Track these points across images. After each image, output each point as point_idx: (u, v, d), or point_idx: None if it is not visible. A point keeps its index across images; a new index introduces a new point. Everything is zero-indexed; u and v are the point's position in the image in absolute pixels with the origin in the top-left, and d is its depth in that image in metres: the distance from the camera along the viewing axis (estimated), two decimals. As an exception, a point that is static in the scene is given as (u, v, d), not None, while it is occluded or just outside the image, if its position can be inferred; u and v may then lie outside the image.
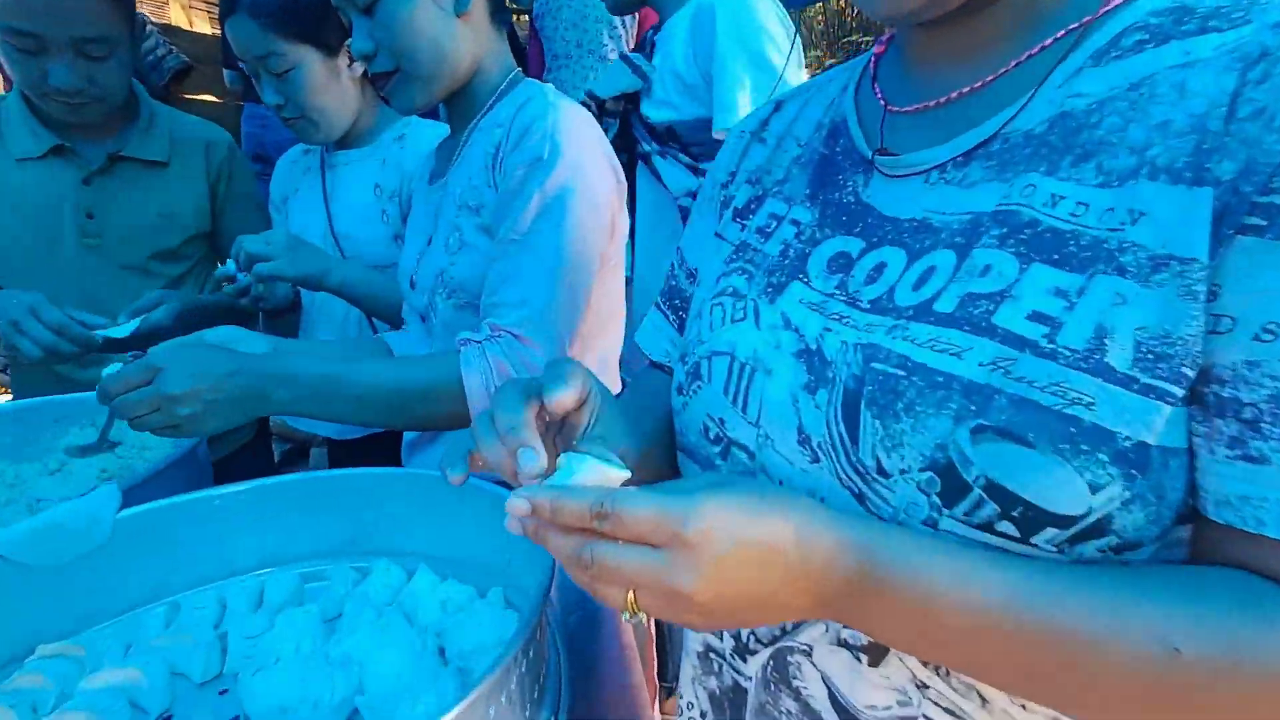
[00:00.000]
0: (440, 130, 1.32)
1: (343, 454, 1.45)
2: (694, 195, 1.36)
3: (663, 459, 0.62)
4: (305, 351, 0.85)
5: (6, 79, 1.79)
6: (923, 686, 0.45)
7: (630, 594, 0.39)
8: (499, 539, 0.76)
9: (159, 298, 1.22)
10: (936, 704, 0.45)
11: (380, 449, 1.40)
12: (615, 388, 1.04)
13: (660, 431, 0.63)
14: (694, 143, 1.37)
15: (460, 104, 0.96)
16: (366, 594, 0.77)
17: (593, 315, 0.90)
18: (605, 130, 1.40)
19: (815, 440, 0.46)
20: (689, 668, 0.61)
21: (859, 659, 0.47)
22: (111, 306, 1.23)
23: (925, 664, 0.45)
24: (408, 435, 1.04)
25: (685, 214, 1.37)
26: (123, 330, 1.14)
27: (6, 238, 1.31)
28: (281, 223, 1.48)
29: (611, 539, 0.39)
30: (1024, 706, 0.44)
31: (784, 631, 0.51)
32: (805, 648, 0.50)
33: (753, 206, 0.60)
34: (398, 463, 1.10)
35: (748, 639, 0.54)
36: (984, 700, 0.44)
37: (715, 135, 1.34)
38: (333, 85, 1.25)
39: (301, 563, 0.83)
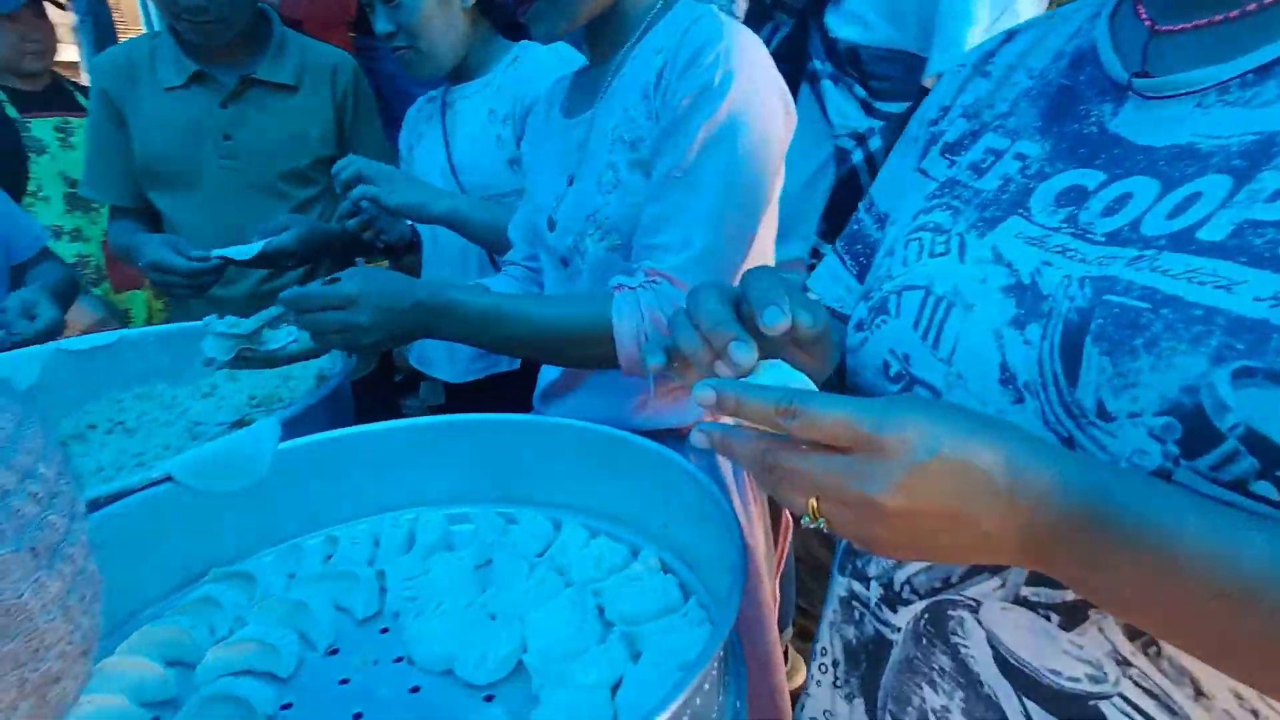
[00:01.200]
0: (558, 53, 1.26)
1: (459, 396, 1.45)
2: (859, 138, 1.19)
3: None
4: (469, 289, 0.85)
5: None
6: (1124, 663, 0.40)
7: (814, 501, 0.37)
8: (655, 497, 0.72)
9: (285, 222, 1.27)
10: (1139, 685, 0.40)
11: (499, 392, 1.42)
12: None
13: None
14: (877, 75, 1.17)
15: (606, 30, 0.88)
16: (515, 544, 0.75)
17: (752, 261, 0.83)
18: (775, 30, 1.24)
19: (1021, 379, 0.42)
20: (830, 612, 0.59)
21: (1047, 618, 0.43)
22: (245, 222, 1.31)
23: (1132, 637, 0.40)
24: (541, 383, 1.01)
25: (842, 158, 1.21)
26: (248, 251, 1.19)
27: (159, 161, 1.40)
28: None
29: (796, 446, 0.37)
30: (1255, 714, 0.38)
31: (945, 584, 0.48)
32: (971, 603, 0.46)
33: (966, 142, 0.56)
34: (522, 408, 1.08)
35: (901, 588, 0.50)
36: (1199, 692, 0.39)
37: (925, 81, 1.11)
38: (443, 15, 1.24)
39: (447, 505, 0.82)
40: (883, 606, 0.52)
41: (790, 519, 1.01)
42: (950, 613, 0.47)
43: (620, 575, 0.68)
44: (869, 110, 1.19)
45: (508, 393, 1.35)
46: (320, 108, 1.46)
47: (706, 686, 0.45)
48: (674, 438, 0.89)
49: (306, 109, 1.44)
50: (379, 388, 1.63)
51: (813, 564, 1.85)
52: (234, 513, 0.73)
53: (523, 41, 1.33)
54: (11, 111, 2.05)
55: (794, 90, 1.24)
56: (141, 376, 1.14)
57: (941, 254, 0.50)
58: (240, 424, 0.99)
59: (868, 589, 0.53)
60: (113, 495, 0.67)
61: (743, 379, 0.42)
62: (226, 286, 1.38)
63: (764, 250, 0.89)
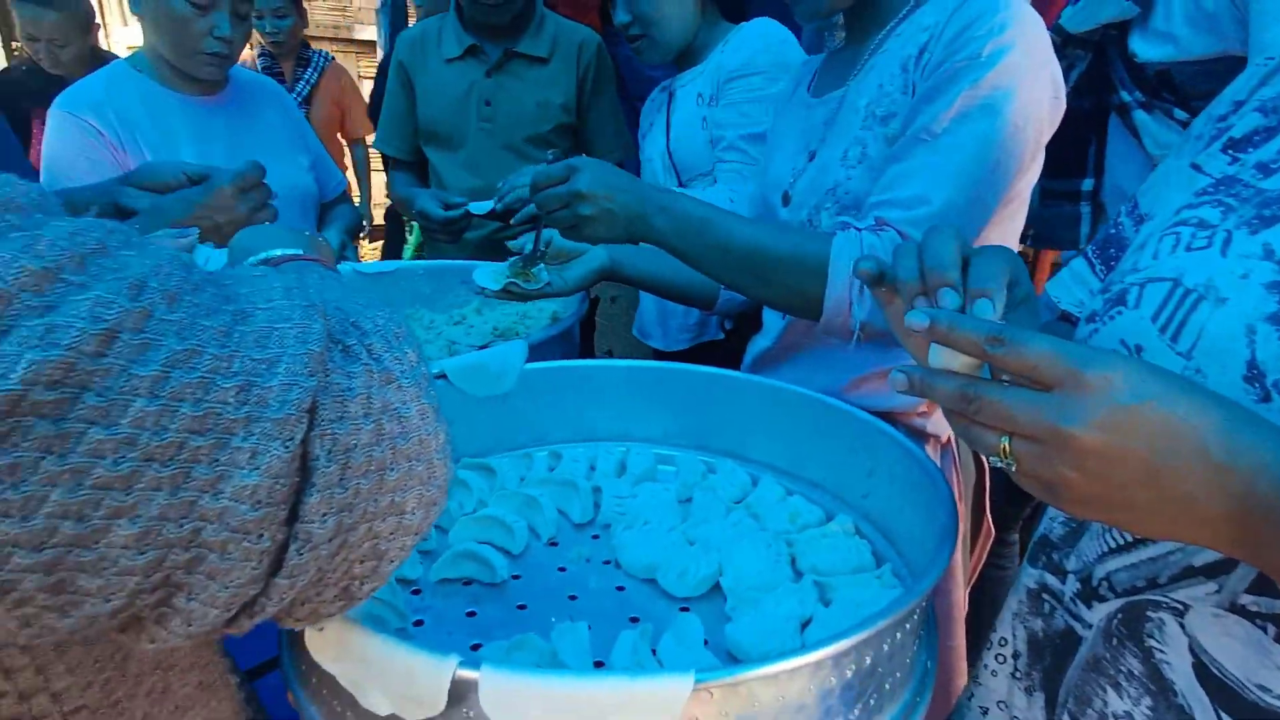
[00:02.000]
0: (765, 32, 1.29)
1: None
2: None
3: None
4: (688, 195, 0.89)
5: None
6: None
7: (1005, 440, 0.37)
8: (858, 466, 0.74)
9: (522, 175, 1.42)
10: None
11: (705, 361, 1.47)
12: None
13: None
14: (1198, 94, 1.06)
15: (868, 8, 0.89)
16: (715, 487, 0.80)
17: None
18: (1070, 67, 1.19)
19: (1271, 377, 0.40)
20: (1014, 603, 0.57)
21: (1264, 630, 0.39)
22: (495, 177, 1.47)
23: None
24: (753, 351, 1.05)
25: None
26: (483, 207, 1.39)
27: (434, 122, 1.64)
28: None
29: (998, 382, 0.37)
30: None
31: (1150, 583, 0.45)
32: (1177, 606, 0.43)
33: (1257, 139, 0.51)
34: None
35: (1099, 584, 0.48)
36: None
37: None
38: (676, 2, 1.31)
39: (654, 445, 0.90)
40: (1077, 601, 0.50)
41: (990, 526, 0.97)
42: (1150, 614, 0.45)
43: (814, 531, 0.71)
44: None
45: (712, 362, 1.41)
46: (565, 79, 1.61)
47: (908, 627, 0.47)
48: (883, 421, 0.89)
49: (554, 79, 1.61)
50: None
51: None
52: (484, 414, 0.85)
53: (740, 24, 1.37)
54: None
55: (1101, 128, 1.17)
56: (410, 300, 1.34)
57: (1201, 248, 0.47)
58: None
59: (1063, 582, 0.52)
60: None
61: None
62: (471, 232, 1.59)
63: (1003, 240, 0.86)
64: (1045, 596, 0.54)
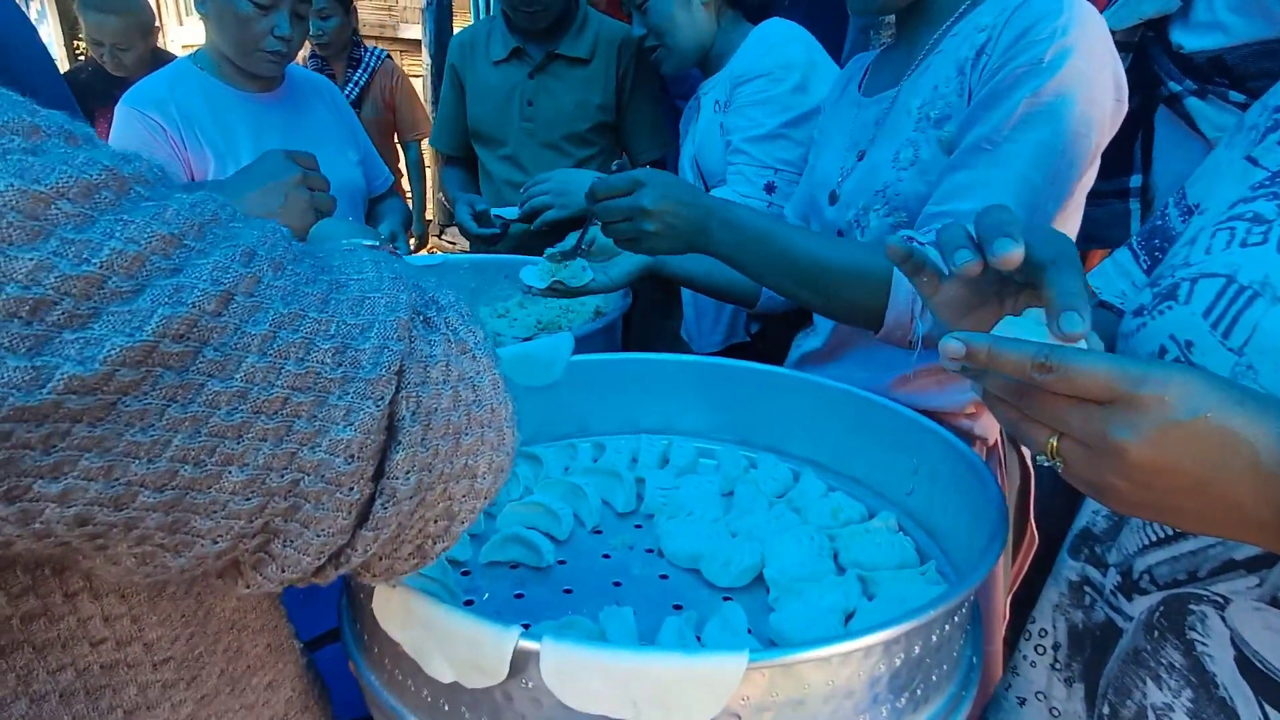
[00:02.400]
0: (769, 31, 1.30)
1: None
2: None
3: None
4: (748, 207, 0.90)
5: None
6: None
7: (1054, 439, 0.37)
8: (902, 464, 0.74)
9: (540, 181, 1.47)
10: None
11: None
12: None
13: None
14: (1254, 74, 1.05)
15: (923, 6, 0.88)
16: (757, 481, 0.81)
17: None
18: None
19: None
20: (1054, 594, 0.57)
21: None
22: (536, 171, 1.53)
23: None
24: (802, 349, 1.05)
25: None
26: (512, 212, 1.44)
27: (481, 121, 1.69)
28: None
29: (1050, 397, 0.36)
30: None
31: (1191, 576, 0.45)
32: (1218, 599, 0.43)
33: None
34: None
35: (1140, 576, 0.48)
36: None
37: None
38: (686, 12, 1.34)
39: (696, 438, 0.91)
40: (1118, 594, 0.50)
41: (1034, 534, 0.96)
42: (1191, 607, 0.45)
43: (856, 527, 0.71)
44: None
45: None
46: (605, 79, 1.64)
47: (956, 620, 0.47)
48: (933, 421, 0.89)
49: (594, 79, 1.64)
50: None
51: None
52: (530, 405, 0.86)
53: (760, 24, 1.37)
54: None
55: (1147, 124, 1.15)
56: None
57: (1256, 243, 0.46)
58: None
59: (1104, 575, 0.52)
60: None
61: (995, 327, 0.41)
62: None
63: None
64: (1087, 589, 0.54)
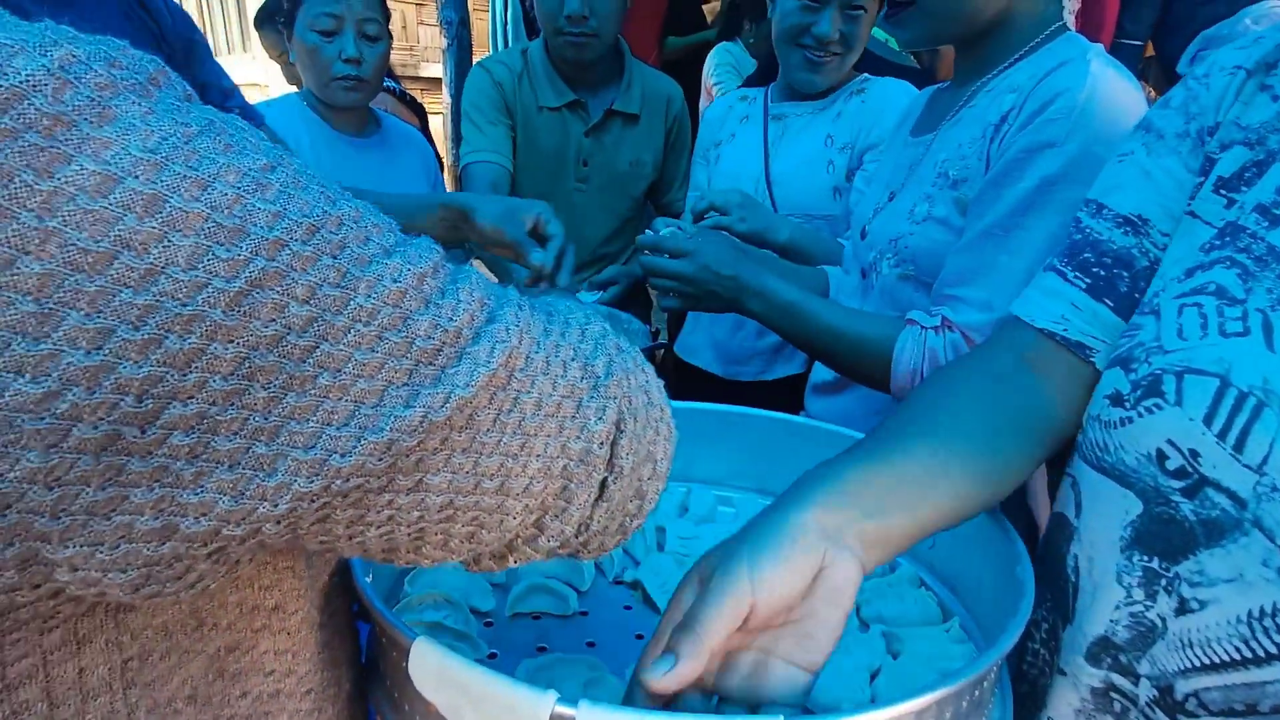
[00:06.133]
0: (902, 89, 1.29)
1: (731, 392, 1.50)
2: None
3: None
4: (780, 273, 0.94)
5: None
6: None
7: None
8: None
9: (614, 276, 1.40)
10: None
11: (770, 391, 1.44)
12: None
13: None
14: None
15: (974, 53, 0.87)
16: (776, 531, 0.81)
17: None
18: None
19: None
20: (1073, 698, 0.54)
21: None
22: (586, 234, 1.48)
23: None
24: (813, 380, 1.07)
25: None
26: (591, 296, 1.35)
27: (526, 172, 1.57)
28: (703, 169, 1.55)
29: None
30: None
31: (1249, 709, 0.43)
32: None
33: (1249, 175, 0.48)
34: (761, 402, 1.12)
35: (1185, 699, 0.46)
36: None
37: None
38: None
39: (714, 486, 0.91)
40: (1156, 709, 0.48)
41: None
42: None
43: (877, 581, 0.71)
44: None
45: (783, 398, 1.39)
46: (654, 137, 1.59)
47: (985, 685, 0.48)
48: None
49: (644, 138, 1.58)
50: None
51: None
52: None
53: (866, 74, 1.36)
54: None
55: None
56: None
57: (1238, 334, 0.44)
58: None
59: (1135, 685, 0.50)
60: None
61: None
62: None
63: None
64: (1114, 695, 0.51)
